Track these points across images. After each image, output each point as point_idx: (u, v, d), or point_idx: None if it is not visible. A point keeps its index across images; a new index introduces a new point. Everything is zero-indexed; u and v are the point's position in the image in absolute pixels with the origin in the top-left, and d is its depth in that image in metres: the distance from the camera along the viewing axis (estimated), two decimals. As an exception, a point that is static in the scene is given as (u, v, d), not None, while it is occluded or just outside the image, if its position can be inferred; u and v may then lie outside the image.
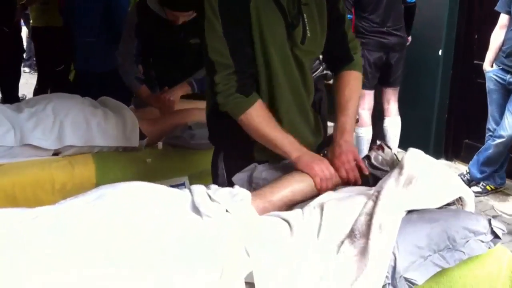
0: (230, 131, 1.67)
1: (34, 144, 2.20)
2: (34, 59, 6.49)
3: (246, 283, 1.20)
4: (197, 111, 2.68)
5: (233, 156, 1.79)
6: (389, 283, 1.22)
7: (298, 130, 1.74)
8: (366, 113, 3.98)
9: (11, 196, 2.13)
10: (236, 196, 1.45)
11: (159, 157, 2.48)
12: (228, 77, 1.57)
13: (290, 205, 1.56)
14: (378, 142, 1.80)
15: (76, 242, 1.14)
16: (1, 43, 3.93)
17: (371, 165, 1.71)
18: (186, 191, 1.47)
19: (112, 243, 1.15)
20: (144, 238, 1.19)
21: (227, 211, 1.33)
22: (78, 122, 2.29)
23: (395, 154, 1.77)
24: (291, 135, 1.67)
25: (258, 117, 1.61)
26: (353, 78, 1.78)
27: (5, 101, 4.22)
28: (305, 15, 1.64)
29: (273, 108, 1.68)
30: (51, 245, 1.13)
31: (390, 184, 1.44)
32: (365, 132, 3.99)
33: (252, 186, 1.63)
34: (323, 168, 1.59)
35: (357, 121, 3.42)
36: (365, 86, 3.80)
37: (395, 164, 1.74)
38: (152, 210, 1.26)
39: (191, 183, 2.52)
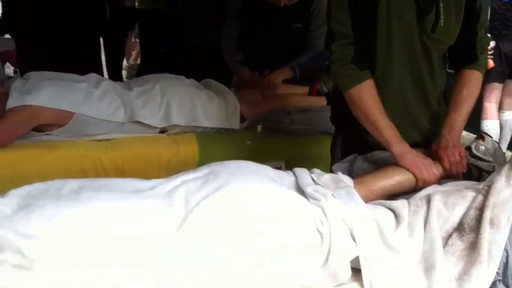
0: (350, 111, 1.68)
1: (142, 121, 2.31)
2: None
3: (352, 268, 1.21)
4: (296, 97, 2.71)
5: (350, 138, 1.81)
6: (499, 280, 1.19)
7: (412, 113, 1.74)
8: (493, 106, 3.88)
9: (121, 169, 2.25)
10: (340, 183, 1.46)
11: (258, 140, 2.53)
12: (346, 47, 1.60)
13: (389, 196, 1.55)
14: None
15: (187, 216, 1.20)
16: (107, 23, 4.12)
17: (473, 155, 1.67)
18: (290, 172, 1.50)
19: (226, 218, 1.21)
20: (254, 218, 1.22)
21: (332, 195, 1.34)
22: (184, 102, 2.38)
23: (496, 142, 1.72)
24: (404, 115, 1.68)
25: (367, 94, 1.61)
26: (474, 78, 1.73)
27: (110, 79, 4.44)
28: (441, 4, 1.61)
29: (386, 86, 1.68)
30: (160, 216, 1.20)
31: (501, 179, 1.39)
32: (492, 125, 3.87)
33: (353, 176, 1.63)
34: (430, 173, 1.57)
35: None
36: (496, 79, 3.74)
37: (497, 152, 1.69)
38: (261, 189, 1.30)
39: (286, 168, 2.55)
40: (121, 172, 2.25)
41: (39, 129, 2.22)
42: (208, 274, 1.15)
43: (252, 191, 1.28)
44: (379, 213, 1.35)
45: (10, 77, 4.47)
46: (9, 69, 4.95)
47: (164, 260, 1.12)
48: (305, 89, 2.87)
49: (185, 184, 1.29)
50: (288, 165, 2.47)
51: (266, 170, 1.43)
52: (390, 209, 1.37)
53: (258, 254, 1.18)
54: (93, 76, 2.39)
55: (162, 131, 2.42)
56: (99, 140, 2.31)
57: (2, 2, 3.50)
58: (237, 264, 1.17)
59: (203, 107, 2.42)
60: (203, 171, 1.36)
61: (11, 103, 2.08)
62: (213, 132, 2.49)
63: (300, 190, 1.37)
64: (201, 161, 2.35)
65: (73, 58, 3.09)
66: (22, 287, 1.04)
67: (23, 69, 3.51)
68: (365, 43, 1.61)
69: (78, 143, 2.26)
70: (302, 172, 1.47)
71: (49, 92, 2.13)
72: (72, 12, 2.98)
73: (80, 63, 3.08)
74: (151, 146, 2.32)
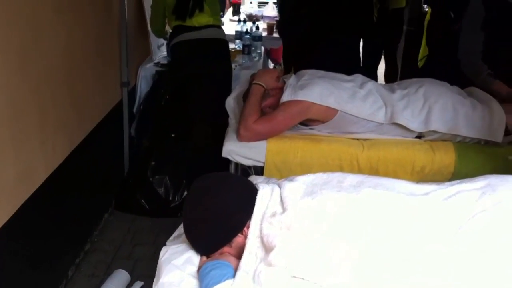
0: None
1: (401, 124, 2.32)
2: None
3: None
4: None
5: None
6: None
7: None
8: None
9: (374, 169, 2.31)
10: None
11: (521, 157, 2.35)
12: None
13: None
14: None
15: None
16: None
17: None
18: None
19: (501, 235, 1.17)
20: None
21: None
22: (446, 109, 2.32)
23: None
24: None
25: None
26: None
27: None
28: None
29: None
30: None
31: None
32: None
33: None
34: None
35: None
36: None
37: None
38: None
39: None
40: (375, 172, 2.30)
41: (304, 123, 2.40)
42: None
43: None
44: None
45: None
46: (270, 65, 5.46)
47: (439, 259, 1.13)
48: None
49: (461, 194, 1.28)
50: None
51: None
52: None
53: None
54: (359, 76, 2.49)
55: (419, 136, 2.41)
56: (357, 139, 2.40)
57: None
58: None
59: (466, 115, 2.33)
60: (480, 183, 1.32)
61: (285, 97, 2.30)
62: (472, 142, 2.39)
63: None
64: (457, 172, 2.28)
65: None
66: None
67: (287, 64, 3.85)
68: None
69: (337, 139, 2.39)
70: None
71: (319, 90, 2.28)
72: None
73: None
74: (407, 150, 2.32)
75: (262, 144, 2.33)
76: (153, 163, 3.25)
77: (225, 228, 1.34)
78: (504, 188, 1.27)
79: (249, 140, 2.31)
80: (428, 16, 4.12)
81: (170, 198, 3.27)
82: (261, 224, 1.27)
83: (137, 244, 3.02)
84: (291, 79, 2.42)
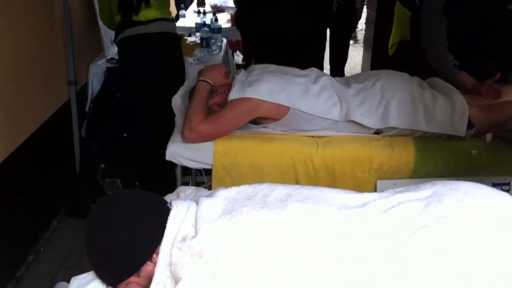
0: None
1: (357, 121, 2.18)
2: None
3: None
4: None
5: None
6: None
7: None
8: None
9: (330, 168, 2.17)
10: None
11: (486, 151, 2.22)
12: None
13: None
14: None
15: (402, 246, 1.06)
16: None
17: None
18: None
19: (444, 254, 1.03)
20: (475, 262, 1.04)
21: None
22: (405, 103, 2.18)
23: None
24: None
25: None
26: None
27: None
28: None
29: None
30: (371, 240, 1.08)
31: None
32: None
33: None
34: None
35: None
36: None
37: None
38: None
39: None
40: (331, 172, 2.17)
41: (256, 121, 2.24)
42: None
43: (481, 229, 1.07)
44: None
45: (238, 65, 4.79)
46: (239, 57, 5.28)
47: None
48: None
49: (402, 206, 1.13)
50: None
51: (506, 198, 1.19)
52: None
53: None
54: (313, 70, 2.33)
55: (377, 132, 2.27)
56: (312, 136, 2.26)
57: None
58: None
59: (426, 109, 2.19)
60: (425, 191, 1.17)
61: (233, 95, 2.14)
62: (434, 137, 2.25)
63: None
64: (417, 169, 2.16)
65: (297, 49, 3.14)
66: None
67: (247, 57, 3.69)
68: None
69: (291, 137, 2.24)
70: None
71: (269, 86, 2.12)
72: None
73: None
74: (364, 147, 2.18)
75: (209, 145, 2.17)
76: (102, 165, 3.07)
77: (129, 257, 1.18)
78: (450, 199, 1.12)
79: (195, 141, 2.15)
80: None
81: (123, 202, 3.09)
82: (171, 250, 1.12)
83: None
84: (240, 75, 2.26)
